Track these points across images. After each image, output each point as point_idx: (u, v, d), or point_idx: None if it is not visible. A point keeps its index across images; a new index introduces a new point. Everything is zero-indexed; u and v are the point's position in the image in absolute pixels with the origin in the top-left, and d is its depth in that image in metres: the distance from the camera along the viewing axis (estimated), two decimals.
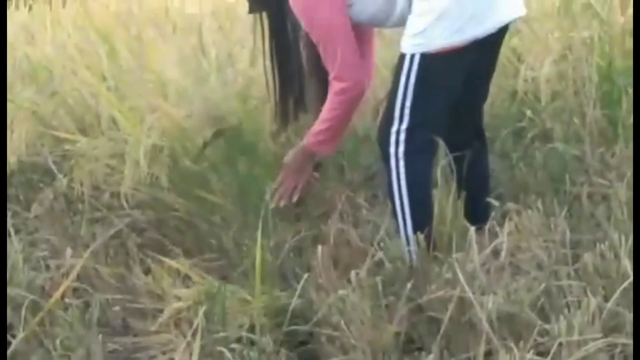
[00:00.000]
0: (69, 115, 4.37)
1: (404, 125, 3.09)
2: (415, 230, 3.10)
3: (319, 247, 3.07)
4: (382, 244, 3.15)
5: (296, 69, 3.53)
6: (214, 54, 4.61)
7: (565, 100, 4.13)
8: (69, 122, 4.28)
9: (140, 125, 3.75)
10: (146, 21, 5.80)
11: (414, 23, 3.08)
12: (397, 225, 3.18)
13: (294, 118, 3.66)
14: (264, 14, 3.48)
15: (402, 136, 3.10)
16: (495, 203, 3.28)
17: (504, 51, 4.37)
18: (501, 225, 3.05)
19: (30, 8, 6.91)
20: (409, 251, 3.12)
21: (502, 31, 3.20)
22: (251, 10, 3.51)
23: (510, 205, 3.27)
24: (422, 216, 3.14)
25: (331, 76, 3.29)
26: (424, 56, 3.04)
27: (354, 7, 3.25)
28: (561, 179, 3.61)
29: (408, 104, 3.08)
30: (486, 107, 3.81)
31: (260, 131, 3.87)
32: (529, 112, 4.11)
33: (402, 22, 3.16)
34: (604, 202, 3.40)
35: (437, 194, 3.20)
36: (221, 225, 3.61)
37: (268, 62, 3.56)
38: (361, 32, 3.39)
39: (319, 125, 3.37)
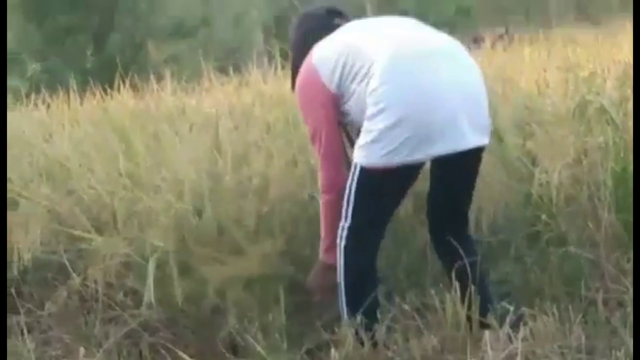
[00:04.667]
0: (85, 213, 4.37)
1: (347, 224, 3.42)
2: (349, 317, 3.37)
3: (332, 350, 3.06)
4: (396, 347, 3.14)
5: None
6: (229, 153, 4.64)
7: (580, 204, 4.13)
8: (85, 220, 4.28)
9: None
10: (163, 120, 5.84)
11: (361, 136, 3.38)
12: None
13: None
14: None
15: (345, 233, 3.42)
16: (509, 307, 3.26)
17: (518, 154, 4.39)
18: (516, 330, 3.03)
19: (48, 106, 6.98)
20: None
21: (464, 155, 3.38)
22: (293, 87, 3.75)
23: (525, 309, 3.26)
24: (356, 306, 3.38)
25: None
26: (362, 168, 3.35)
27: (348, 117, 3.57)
28: (576, 284, 3.60)
29: (351, 206, 3.40)
30: (501, 210, 3.84)
31: (273, 232, 3.89)
32: (543, 216, 4.10)
33: None
34: (619, 307, 3.38)
35: (449, 298, 3.20)
36: (235, 326, 3.60)
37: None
38: None
39: (321, 234, 3.62)
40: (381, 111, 3.28)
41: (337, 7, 3.87)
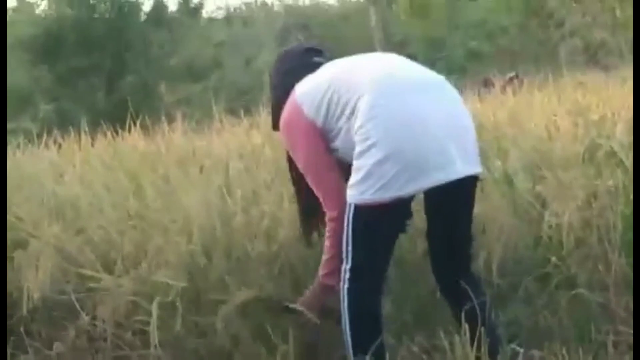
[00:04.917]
0: (94, 252, 4.38)
1: (348, 265, 3.39)
2: None
3: None
4: None
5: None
6: (239, 194, 4.65)
7: (589, 247, 4.12)
8: (94, 260, 4.28)
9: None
10: (173, 161, 5.86)
11: (352, 175, 3.37)
12: None
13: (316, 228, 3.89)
14: None
15: (347, 275, 3.39)
16: (519, 349, 3.25)
17: (528, 197, 4.39)
18: None
19: (59, 147, 6.98)
20: None
21: (456, 186, 3.37)
22: (275, 127, 3.77)
23: (535, 352, 3.24)
24: (362, 348, 3.32)
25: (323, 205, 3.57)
26: (356, 207, 3.34)
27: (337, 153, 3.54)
28: (586, 327, 3.58)
29: (350, 247, 3.38)
30: (510, 252, 3.83)
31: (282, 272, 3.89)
32: (553, 258, 4.09)
33: None
34: (629, 350, 3.36)
35: (459, 340, 3.19)
36: None
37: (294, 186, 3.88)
38: None
39: (324, 256, 3.57)
40: (370, 147, 3.28)
41: (316, 45, 3.89)
